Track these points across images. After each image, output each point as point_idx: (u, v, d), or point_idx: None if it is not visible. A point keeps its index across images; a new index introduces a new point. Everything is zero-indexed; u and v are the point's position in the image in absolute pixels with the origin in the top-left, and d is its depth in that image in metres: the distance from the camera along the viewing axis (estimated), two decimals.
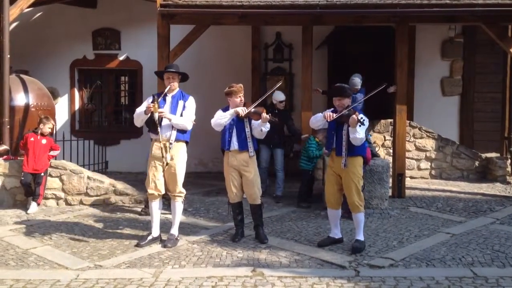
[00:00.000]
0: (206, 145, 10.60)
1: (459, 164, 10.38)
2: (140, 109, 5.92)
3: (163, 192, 6.03)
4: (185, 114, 5.96)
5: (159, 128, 5.78)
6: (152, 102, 5.76)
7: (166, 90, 5.94)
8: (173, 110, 5.91)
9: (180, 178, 6.00)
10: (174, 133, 5.87)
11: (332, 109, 5.83)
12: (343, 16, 8.54)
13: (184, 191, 6.12)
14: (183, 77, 6.14)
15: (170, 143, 5.83)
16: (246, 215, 6.38)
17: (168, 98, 5.97)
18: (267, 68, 11.78)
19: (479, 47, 11.25)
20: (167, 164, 5.83)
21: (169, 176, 5.96)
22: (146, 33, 11.11)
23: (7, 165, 8.00)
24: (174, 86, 6.00)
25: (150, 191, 5.98)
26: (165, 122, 5.84)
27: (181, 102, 5.97)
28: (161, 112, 5.76)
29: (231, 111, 6.01)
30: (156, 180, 5.95)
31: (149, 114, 5.78)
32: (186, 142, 6.08)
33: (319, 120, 5.80)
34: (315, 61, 9.07)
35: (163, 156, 5.80)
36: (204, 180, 10.53)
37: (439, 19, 8.70)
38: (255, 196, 6.11)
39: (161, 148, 5.80)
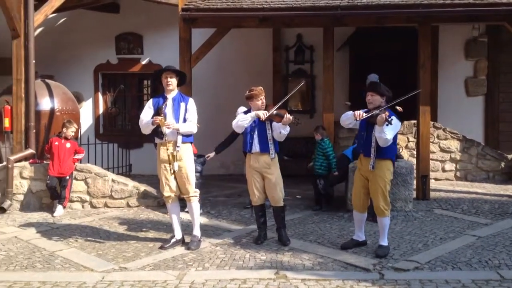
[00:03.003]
0: (228, 148, 10.62)
1: (484, 166, 10.22)
2: (146, 119, 5.92)
3: (178, 192, 6.08)
4: (189, 118, 5.98)
5: (165, 137, 5.84)
6: (158, 114, 5.79)
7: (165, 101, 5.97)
8: (176, 113, 5.92)
9: (192, 178, 6.03)
10: (180, 137, 5.89)
11: (366, 109, 5.71)
12: (364, 17, 8.49)
13: (198, 190, 6.16)
14: (181, 80, 6.15)
15: (178, 146, 5.86)
16: (268, 217, 6.37)
17: (169, 102, 5.95)
18: (288, 70, 11.79)
19: (503, 46, 11.11)
20: (174, 172, 5.89)
21: (180, 179, 5.99)
22: (168, 37, 11.20)
23: (33, 169, 8.14)
24: (173, 86, 5.99)
25: (166, 193, 6.02)
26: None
27: (182, 105, 5.97)
28: (168, 125, 5.79)
29: (252, 113, 6.00)
30: (170, 183, 6.00)
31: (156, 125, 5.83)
32: (191, 143, 6.12)
33: (349, 118, 5.69)
34: (336, 63, 9.03)
35: (170, 163, 5.87)
36: (226, 182, 10.56)
37: (462, 19, 8.59)
38: (277, 198, 6.09)
39: (169, 156, 5.85)
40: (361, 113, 5.53)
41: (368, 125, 5.61)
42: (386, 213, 5.66)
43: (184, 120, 5.96)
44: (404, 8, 8.24)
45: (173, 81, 5.98)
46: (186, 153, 5.99)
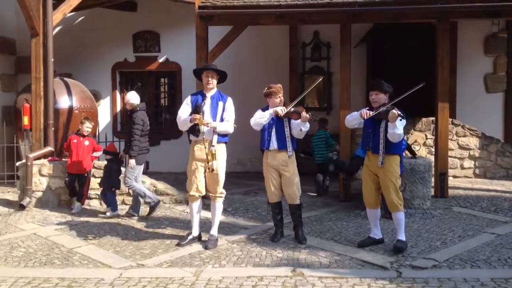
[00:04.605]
0: (244, 145, 10.63)
1: (504, 163, 10.09)
2: (184, 116, 5.88)
3: (204, 193, 6.06)
4: (227, 118, 5.95)
5: (203, 135, 5.79)
6: (197, 112, 5.74)
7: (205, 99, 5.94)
8: (214, 112, 5.90)
9: (222, 179, 6.02)
10: (216, 136, 5.87)
11: (368, 108, 5.76)
12: (382, 13, 8.42)
13: (224, 191, 6.14)
14: (221, 79, 6.13)
15: (213, 146, 5.84)
16: (285, 215, 6.37)
17: (207, 100, 5.93)
18: (304, 67, 11.76)
19: None
20: (212, 170, 5.83)
21: (210, 178, 5.97)
22: (184, 35, 11.23)
23: (52, 166, 8.22)
24: (213, 85, 5.98)
25: (192, 192, 5.99)
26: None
27: (220, 103, 5.96)
28: (207, 124, 5.76)
29: (270, 110, 6.00)
30: (198, 182, 5.97)
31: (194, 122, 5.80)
32: (225, 143, 6.11)
33: (355, 118, 5.75)
34: (353, 60, 8.98)
35: (208, 162, 5.80)
36: (243, 179, 10.57)
37: (481, 15, 8.47)
38: (294, 196, 6.08)
39: (207, 155, 5.79)
40: (367, 112, 5.60)
41: (375, 122, 5.65)
42: (400, 207, 5.66)
43: (222, 120, 5.93)
44: (422, 4, 8.17)
45: (213, 81, 5.98)
46: (220, 153, 5.96)
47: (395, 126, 5.40)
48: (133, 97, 7.44)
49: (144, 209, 7.58)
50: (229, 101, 6.06)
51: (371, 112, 5.58)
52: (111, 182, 7.63)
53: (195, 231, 6.14)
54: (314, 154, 9.21)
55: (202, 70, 6.10)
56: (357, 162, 7.67)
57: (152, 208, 7.46)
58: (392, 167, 5.64)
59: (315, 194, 8.85)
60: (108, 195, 7.69)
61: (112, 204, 7.68)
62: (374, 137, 5.68)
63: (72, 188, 7.94)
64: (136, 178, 7.43)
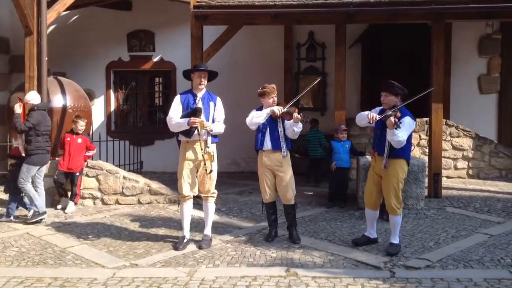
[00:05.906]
0: (239, 145, 10.65)
1: (497, 164, 10.13)
2: (176, 118, 5.78)
3: (196, 193, 6.04)
4: (218, 118, 5.96)
5: (201, 137, 5.76)
6: (196, 115, 5.66)
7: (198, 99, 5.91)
8: (206, 112, 5.87)
9: (214, 179, 6.01)
10: (210, 138, 5.87)
11: (381, 107, 5.72)
12: (377, 13, 8.44)
13: (216, 191, 6.13)
14: (210, 77, 6.10)
15: (207, 147, 5.82)
16: (279, 215, 6.36)
17: (199, 101, 5.89)
18: (299, 67, 11.77)
19: None
20: (211, 172, 5.82)
21: (203, 178, 5.95)
22: (179, 35, 11.23)
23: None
24: (204, 85, 5.95)
25: (185, 193, 5.93)
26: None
27: (211, 104, 5.94)
28: (207, 127, 5.73)
29: (267, 110, 5.99)
30: (191, 183, 5.94)
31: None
32: (216, 143, 6.10)
33: (363, 118, 5.70)
34: (348, 60, 8.98)
35: (205, 163, 5.80)
36: (237, 179, 10.56)
37: (476, 16, 8.51)
38: (288, 196, 6.08)
39: (204, 156, 5.78)
40: (374, 116, 5.53)
41: (383, 124, 5.58)
42: (398, 211, 5.64)
43: (213, 120, 5.92)
44: (417, 5, 8.17)
45: (205, 82, 5.95)
46: (214, 154, 5.96)
47: (393, 133, 5.35)
48: (33, 97, 7.43)
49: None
50: (219, 100, 6.06)
51: (377, 116, 5.52)
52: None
53: (188, 234, 6.06)
54: (309, 150, 9.79)
55: (193, 71, 6.05)
56: None
57: (34, 218, 7.14)
58: (396, 171, 5.60)
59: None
60: (23, 198, 7.46)
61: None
62: (381, 139, 5.64)
63: (60, 187, 7.92)
64: (35, 180, 7.32)
